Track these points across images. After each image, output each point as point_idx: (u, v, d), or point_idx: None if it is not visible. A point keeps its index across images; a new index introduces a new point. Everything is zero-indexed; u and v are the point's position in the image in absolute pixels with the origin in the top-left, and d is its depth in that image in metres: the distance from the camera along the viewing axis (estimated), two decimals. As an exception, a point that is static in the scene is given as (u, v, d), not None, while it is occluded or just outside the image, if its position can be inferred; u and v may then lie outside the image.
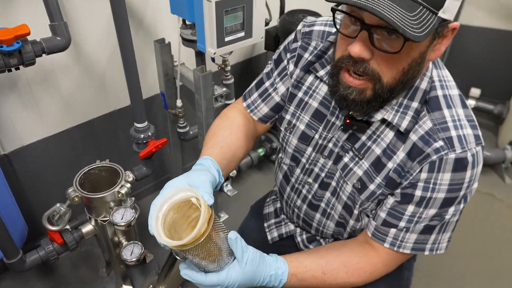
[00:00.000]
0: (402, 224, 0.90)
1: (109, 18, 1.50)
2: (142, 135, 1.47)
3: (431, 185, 0.85)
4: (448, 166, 0.82)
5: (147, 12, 1.61)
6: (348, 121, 0.93)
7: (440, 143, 0.82)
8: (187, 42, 1.49)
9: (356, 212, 1.01)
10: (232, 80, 1.76)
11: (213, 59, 1.65)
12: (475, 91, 2.58)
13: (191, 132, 1.76)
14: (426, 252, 0.93)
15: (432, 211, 0.87)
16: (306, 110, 1.02)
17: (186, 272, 0.83)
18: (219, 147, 0.97)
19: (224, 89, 1.60)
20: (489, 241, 1.95)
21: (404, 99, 0.86)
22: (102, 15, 1.49)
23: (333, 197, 1.04)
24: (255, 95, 1.10)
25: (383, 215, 0.93)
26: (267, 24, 1.62)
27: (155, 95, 1.83)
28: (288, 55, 1.03)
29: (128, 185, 1.36)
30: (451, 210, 0.87)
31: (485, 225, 2.03)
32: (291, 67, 1.02)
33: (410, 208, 0.89)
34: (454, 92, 0.88)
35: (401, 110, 0.86)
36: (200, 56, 1.56)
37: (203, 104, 1.51)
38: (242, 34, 1.37)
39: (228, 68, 1.71)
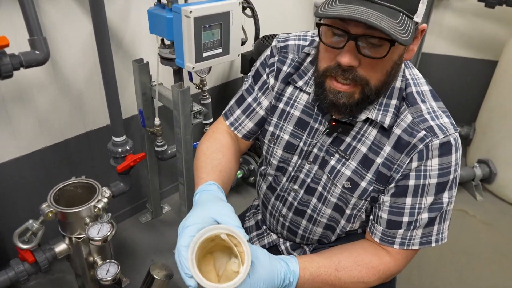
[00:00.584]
0: (405, 219, 0.93)
1: (87, 38, 1.53)
2: (120, 149, 1.46)
3: (422, 173, 0.90)
4: (435, 151, 0.88)
5: (126, 33, 1.65)
6: (333, 123, 0.97)
7: (423, 133, 0.88)
8: (165, 60, 1.53)
9: (348, 212, 1.02)
10: (210, 100, 1.80)
11: (190, 78, 1.69)
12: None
13: (168, 151, 1.76)
14: (433, 244, 0.96)
15: (429, 199, 0.91)
16: (289, 120, 1.05)
17: None
18: (218, 171, 0.97)
19: (202, 107, 1.63)
20: (463, 255, 1.98)
21: (384, 98, 0.93)
22: (81, 34, 1.52)
23: (320, 202, 1.06)
24: (238, 112, 1.11)
25: (385, 215, 0.95)
26: (243, 43, 1.69)
27: (132, 116, 1.83)
28: (267, 70, 1.07)
29: (105, 199, 1.33)
30: (446, 196, 0.92)
31: (460, 240, 2.08)
32: (271, 80, 1.07)
33: (408, 201, 0.92)
34: (425, 88, 0.96)
35: (382, 108, 0.93)
36: (178, 75, 1.60)
37: (182, 120, 1.53)
38: (219, 50, 1.42)
39: (206, 87, 1.75)
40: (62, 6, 1.43)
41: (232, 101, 1.14)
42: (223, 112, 1.15)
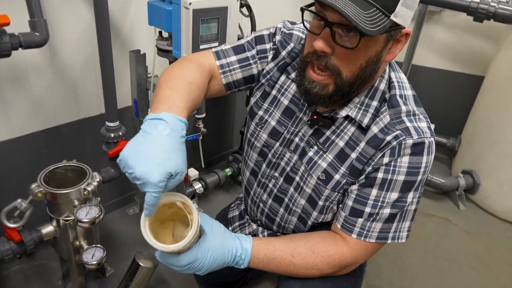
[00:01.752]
0: (367, 209, 0.96)
1: (87, 26, 1.56)
2: (113, 134, 1.48)
3: (391, 167, 0.93)
4: (407, 150, 0.91)
5: (125, 24, 1.68)
6: (315, 117, 1.01)
7: (398, 132, 0.91)
8: (162, 52, 1.56)
9: (321, 203, 1.06)
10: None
11: (186, 72, 1.72)
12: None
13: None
14: (389, 240, 0.99)
15: (394, 195, 0.94)
16: (278, 107, 1.09)
17: (162, 259, 0.88)
18: (191, 107, 0.87)
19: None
20: (445, 261, 2.02)
21: (366, 98, 0.96)
22: (80, 22, 1.54)
23: (296, 192, 1.09)
24: (233, 58, 1.06)
25: (350, 203, 0.99)
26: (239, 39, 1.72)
27: (126, 107, 1.85)
28: (271, 45, 1.07)
29: (95, 183, 1.34)
30: (410, 196, 0.95)
31: (442, 246, 2.12)
32: (270, 56, 1.07)
33: (374, 192, 0.95)
34: (409, 92, 1.00)
35: (363, 108, 0.96)
36: (174, 67, 1.63)
37: (175, 111, 1.55)
38: (216, 44, 1.46)
39: (200, 82, 1.78)
40: (64, -8, 1.46)
41: (228, 46, 1.07)
42: (213, 50, 1.06)
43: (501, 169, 2.30)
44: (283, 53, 1.07)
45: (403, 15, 0.81)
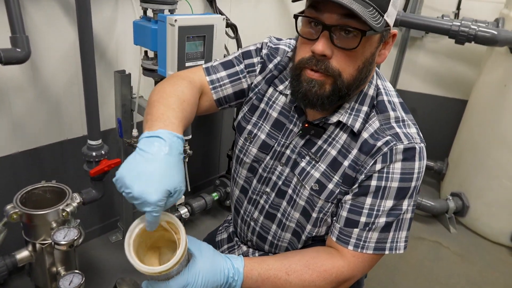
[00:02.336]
0: (362, 219, 0.93)
1: (71, 46, 1.54)
2: (95, 153, 1.43)
3: (384, 174, 0.91)
4: (398, 155, 0.89)
5: (111, 44, 1.67)
6: (306, 125, 0.99)
7: (388, 137, 0.90)
8: (147, 71, 1.55)
9: (314, 215, 1.02)
10: (190, 116, 1.81)
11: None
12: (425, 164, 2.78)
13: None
14: (387, 251, 0.95)
15: (388, 203, 0.91)
16: (267, 120, 1.07)
17: (150, 286, 0.80)
18: (185, 124, 0.86)
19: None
20: (437, 284, 1.98)
21: (356, 103, 0.96)
22: (64, 42, 1.53)
23: (289, 205, 1.06)
24: (223, 73, 1.05)
25: (344, 213, 0.95)
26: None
27: (110, 129, 1.81)
28: (258, 58, 1.07)
29: (75, 204, 1.29)
30: (405, 203, 0.92)
31: (434, 270, 2.08)
32: (257, 70, 1.06)
33: (368, 201, 0.93)
34: (396, 100, 0.99)
35: (353, 113, 0.95)
36: (160, 87, 1.61)
37: (160, 130, 1.52)
38: (201, 62, 1.45)
39: (187, 103, 1.76)
40: (47, 12, 1.45)
41: (217, 62, 1.07)
42: (203, 66, 1.05)
43: (489, 191, 2.30)
44: (270, 66, 1.06)
45: (392, 15, 0.83)
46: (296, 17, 0.87)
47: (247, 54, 1.08)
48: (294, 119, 1.02)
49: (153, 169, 0.70)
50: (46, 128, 1.61)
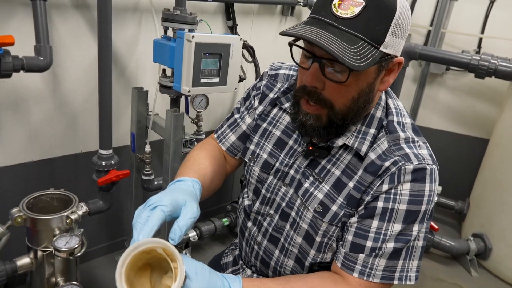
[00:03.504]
0: (369, 244, 0.88)
1: (93, 60, 1.59)
2: (104, 162, 1.43)
3: (391, 196, 0.86)
4: (407, 176, 0.85)
5: (131, 62, 1.72)
6: (310, 147, 0.97)
7: (397, 158, 0.86)
8: (164, 88, 1.57)
9: (318, 239, 0.97)
10: (204, 136, 1.81)
11: (187, 110, 1.72)
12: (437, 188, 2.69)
13: (155, 182, 1.73)
14: (396, 281, 0.88)
15: (396, 227, 0.86)
16: (270, 139, 1.06)
17: None
18: (202, 175, 0.98)
19: (194, 137, 1.64)
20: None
21: (362, 126, 0.93)
22: (87, 56, 1.58)
23: (292, 229, 1.02)
24: (225, 126, 1.15)
25: (350, 237, 0.90)
26: (241, 80, 1.74)
27: (124, 146, 1.83)
28: (254, 92, 1.12)
29: (80, 212, 1.28)
30: (415, 228, 0.87)
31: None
32: (256, 103, 1.10)
33: (374, 223, 0.87)
34: (407, 120, 0.96)
35: (360, 136, 0.92)
36: (175, 105, 1.63)
37: (172, 145, 1.52)
38: (217, 79, 1.47)
39: (201, 123, 1.77)
40: (73, 25, 1.51)
41: (225, 119, 1.18)
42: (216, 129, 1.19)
43: (514, 232, 2.18)
44: (271, 95, 1.08)
45: (393, 44, 0.80)
46: (290, 45, 0.88)
47: (246, 97, 1.14)
48: (299, 139, 1.01)
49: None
50: (61, 140, 1.64)
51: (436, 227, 2.24)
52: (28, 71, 1.29)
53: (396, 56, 0.83)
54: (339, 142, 0.92)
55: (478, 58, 1.93)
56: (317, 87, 0.82)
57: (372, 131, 0.91)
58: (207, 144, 1.14)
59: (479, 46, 2.65)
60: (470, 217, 2.53)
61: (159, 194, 0.80)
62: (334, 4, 0.76)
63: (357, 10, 0.75)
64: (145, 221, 0.74)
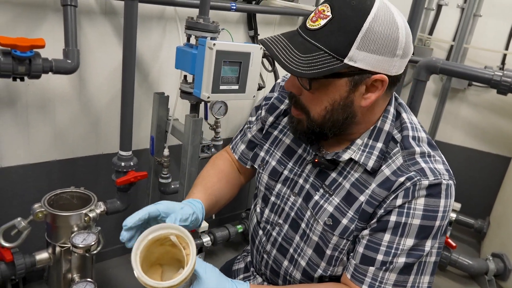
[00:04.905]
0: (379, 257, 0.87)
1: (118, 65, 1.65)
2: (123, 163, 1.47)
3: (405, 210, 0.85)
4: (422, 191, 0.84)
5: (154, 68, 1.77)
6: (316, 160, 0.97)
7: (412, 173, 0.86)
8: (184, 94, 1.61)
9: (328, 252, 0.97)
10: (221, 143, 1.84)
11: (206, 116, 1.76)
12: (456, 205, 2.62)
13: (172, 186, 1.76)
14: None
15: (409, 241, 0.85)
16: (279, 146, 1.07)
17: None
18: (208, 194, 1.05)
19: (212, 142, 1.66)
20: None
21: (369, 140, 0.93)
22: (113, 61, 1.64)
23: (302, 240, 1.02)
24: (238, 137, 1.20)
25: (361, 249, 0.90)
26: (260, 88, 1.77)
27: (144, 149, 1.87)
28: (264, 102, 1.15)
29: (98, 211, 1.31)
30: (428, 244, 0.86)
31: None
32: (263, 112, 1.13)
33: (386, 237, 0.87)
34: (423, 135, 0.94)
35: (366, 150, 0.92)
36: (195, 110, 1.67)
37: (190, 150, 1.55)
38: (236, 87, 1.50)
39: (219, 130, 1.80)
40: (100, 30, 1.58)
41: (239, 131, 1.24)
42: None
43: (535, 254, 2.11)
44: (282, 106, 1.10)
45: (365, 59, 0.79)
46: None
47: (257, 107, 1.18)
48: (307, 147, 1.02)
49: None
50: (84, 140, 1.69)
51: (454, 244, 2.19)
52: (56, 73, 1.34)
53: (376, 73, 0.81)
54: (345, 156, 0.92)
55: (501, 74, 1.90)
56: (294, 92, 0.87)
57: (380, 145, 0.91)
58: (219, 159, 1.20)
59: (503, 63, 2.61)
60: (490, 236, 2.47)
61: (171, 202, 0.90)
62: (310, 18, 0.81)
63: (322, 22, 0.79)
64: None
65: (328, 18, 0.78)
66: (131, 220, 0.80)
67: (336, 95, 0.84)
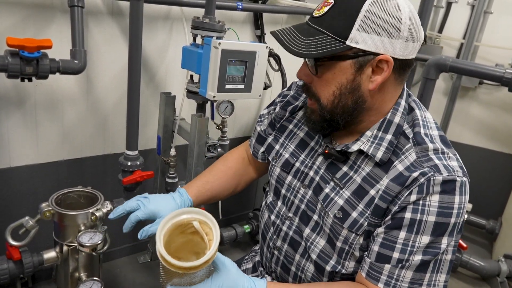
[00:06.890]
0: (395, 255, 0.86)
1: (125, 66, 1.65)
2: (130, 163, 1.48)
3: (420, 207, 0.84)
4: (436, 187, 0.83)
5: (161, 68, 1.77)
6: (326, 151, 0.97)
7: (426, 169, 0.84)
8: (190, 94, 1.61)
9: (339, 244, 0.97)
10: (228, 143, 1.84)
11: (212, 116, 1.76)
12: (467, 205, 2.60)
13: (179, 185, 1.76)
14: None
15: (425, 239, 0.84)
16: (293, 139, 1.08)
17: None
18: (204, 189, 1.17)
19: (218, 142, 1.66)
20: None
21: (379, 131, 0.92)
22: (119, 61, 1.65)
23: (314, 232, 1.01)
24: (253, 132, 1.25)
25: (376, 248, 0.89)
26: (266, 87, 1.76)
27: (150, 149, 1.88)
28: (279, 99, 1.18)
29: (105, 210, 1.32)
30: (444, 241, 0.85)
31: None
32: (277, 108, 1.16)
33: (402, 235, 0.86)
34: (435, 132, 0.93)
35: (376, 141, 0.91)
36: (201, 110, 1.67)
37: (196, 149, 1.55)
38: (241, 86, 1.49)
39: (226, 129, 1.80)
40: (107, 31, 1.59)
41: None
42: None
43: (549, 256, 2.07)
44: (297, 103, 1.12)
45: (367, 41, 0.80)
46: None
47: (272, 103, 1.23)
48: (320, 140, 1.02)
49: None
50: (92, 141, 1.70)
51: (465, 245, 2.16)
52: (63, 73, 1.35)
53: (378, 54, 0.82)
54: (355, 147, 0.92)
55: (512, 71, 1.87)
56: (305, 80, 0.90)
57: (389, 137, 0.90)
58: (231, 155, 1.28)
59: (515, 60, 2.57)
60: (502, 237, 2.43)
61: (156, 197, 1.09)
62: (317, 7, 0.87)
63: (326, 9, 0.84)
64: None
65: (331, 5, 0.83)
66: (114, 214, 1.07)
67: (342, 78, 0.85)
